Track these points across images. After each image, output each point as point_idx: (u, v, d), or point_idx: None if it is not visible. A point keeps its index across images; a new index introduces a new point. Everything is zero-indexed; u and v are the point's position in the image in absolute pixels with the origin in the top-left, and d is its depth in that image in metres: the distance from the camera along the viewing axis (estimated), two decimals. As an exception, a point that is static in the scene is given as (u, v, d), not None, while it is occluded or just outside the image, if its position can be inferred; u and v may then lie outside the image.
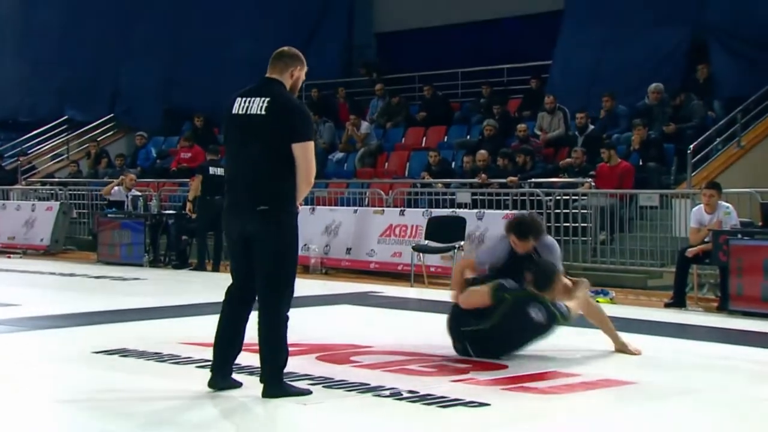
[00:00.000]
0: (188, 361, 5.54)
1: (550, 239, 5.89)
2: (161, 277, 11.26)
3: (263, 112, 4.49)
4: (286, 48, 4.72)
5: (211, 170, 11.75)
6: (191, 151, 15.38)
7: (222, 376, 4.70)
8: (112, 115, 18.35)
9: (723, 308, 8.04)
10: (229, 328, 4.70)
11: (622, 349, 5.82)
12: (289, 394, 4.56)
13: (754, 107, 11.57)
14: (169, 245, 12.58)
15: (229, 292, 4.74)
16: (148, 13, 17.95)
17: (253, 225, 4.52)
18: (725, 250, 7.91)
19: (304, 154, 4.45)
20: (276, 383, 4.55)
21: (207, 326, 6.99)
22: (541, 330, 5.50)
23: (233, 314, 4.71)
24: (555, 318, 5.50)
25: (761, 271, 7.66)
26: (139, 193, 13.27)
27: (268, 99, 4.51)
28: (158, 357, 5.67)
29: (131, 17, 18.23)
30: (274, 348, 4.54)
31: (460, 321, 5.61)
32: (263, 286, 4.55)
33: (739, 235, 8.02)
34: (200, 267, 11.74)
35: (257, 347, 4.59)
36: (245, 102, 4.57)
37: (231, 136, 4.68)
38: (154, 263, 12.37)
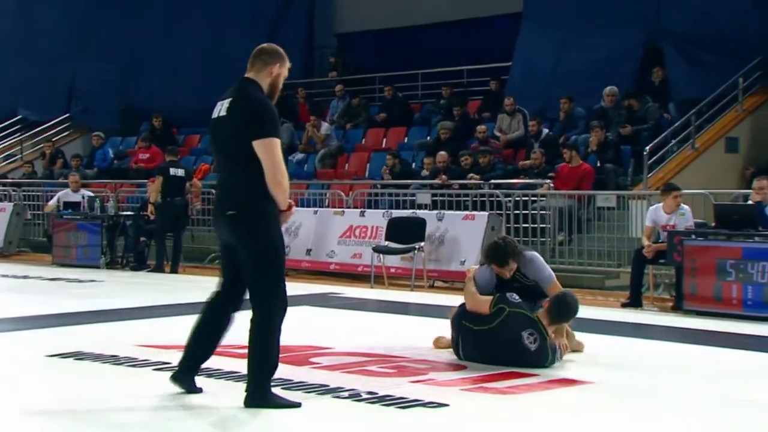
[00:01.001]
0: (145, 363, 5.47)
1: (529, 254, 5.77)
2: (118, 279, 11.11)
3: (225, 113, 4.41)
4: (266, 45, 4.55)
5: (171, 171, 11.65)
6: (149, 151, 15.23)
7: (184, 375, 4.61)
8: (68, 114, 18.07)
9: (678, 308, 8.16)
10: (202, 329, 4.61)
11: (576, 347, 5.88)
12: (274, 405, 4.38)
13: (707, 110, 11.78)
14: (127, 247, 12.44)
15: (214, 293, 4.62)
16: (105, 12, 17.72)
17: (226, 231, 4.44)
18: (680, 251, 8.03)
19: (265, 151, 4.27)
20: (258, 393, 4.37)
21: (164, 328, 6.96)
22: (527, 356, 5.31)
23: (210, 316, 4.60)
24: (545, 353, 5.31)
25: (714, 271, 7.79)
26: (92, 194, 13.09)
27: (230, 99, 4.44)
28: (114, 360, 5.59)
29: (88, 15, 17.98)
30: (258, 356, 4.39)
31: (463, 315, 5.61)
32: (250, 293, 4.42)
33: (693, 236, 8.15)
34: (158, 269, 11.61)
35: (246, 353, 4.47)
36: (219, 105, 4.49)
37: (211, 142, 4.68)
38: (112, 265, 12.21)
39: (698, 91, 11.86)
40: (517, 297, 5.50)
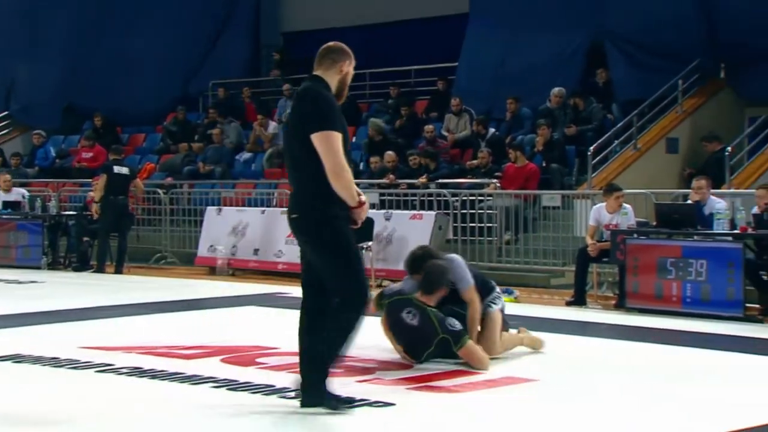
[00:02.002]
0: (87, 366, 5.38)
1: (451, 258, 5.68)
2: (60, 279, 10.91)
3: (290, 110, 4.38)
4: (332, 43, 4.48)
5: (116, 169, 11.49)
6: (92, 150, 14.99)
7: (305, 392, 4.34)
8: (6, 112, 17.66)
9: (620, 306, 8.30)
10: (302, 340, 4.40)
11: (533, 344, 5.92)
12: (330, 404, 4.26)
13: (648, 111, 12.01)
14: (70, 247, 12.22)
15: (303, 305, 4.44)
16: (47, 8, 17.34)
17: (296, 234, 4.36)
18: (622, 250, 8.17)
19: (323, 144, 4.11)
20: (314, 392, 4.25)
21: (107, 330, 6.86)
22: (417, 333, 5.34)
23: (304, 325, 4.40)
24: (430, 322, 5.29)
25: (655, 269, 7.94)
26: (27, 192, 12.82)
27: (297, 96, 4.43)
28: (55, 362, 5.48)
29: (29, 12, 17.58)
30: (319, 356, 4.25)
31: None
32: (329, 293, 4.27)
33: (635, 235, 8.30)
34: (100, 269, 11.43)
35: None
36: (291, 107, 4.49)
37: (283, 146, 4.64)
38: (53, 266, 11.99)
39: (640, 92, 12.08)
40: (395, 288, 5.55)
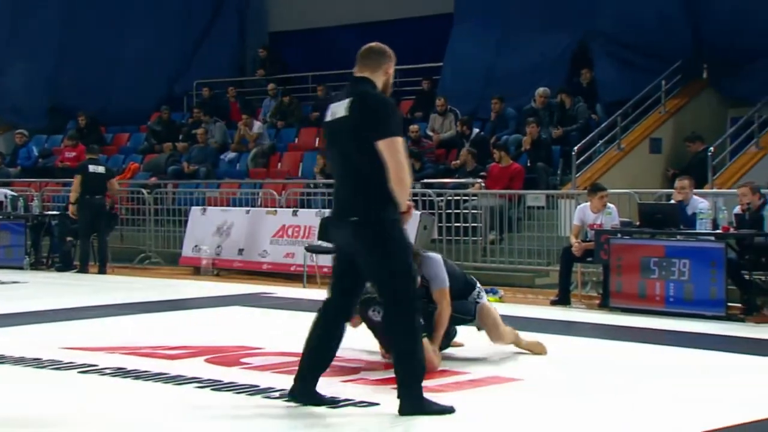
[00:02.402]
0: (70, 366, 5.35)
1: (429, 255, 5.60)
2: (43, 280, 10.84)
3: (346, 113, 4.23)
4: (374, 44, 4.41)
5: (91, 168, 11.43)
6: (75, 150, 14.92)
7: (305, 389, 4.38)
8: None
9: (604, 305, 8.33)
10: (316, 341, 4.41)
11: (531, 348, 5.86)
12: (428, 411, 4.21)
13: (632, 111, 12.08)
14: (53, 247, 12.16)
15: (325, 304, 4.44)
16: (34, 9, 17.24)
17: (347, 237, 4.26)
18: (606, 249, 8.21)
19: (389, 150, 4.11)
20: (410, 399, 4.20)
21: (90, 330, 6.82)
22: (382, 329, 5.29)
23: (324, 329, 4.40)
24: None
25: (638, 269, 7.98)
26: (10, 192, 12.75)
27: (350, 99, 4.27)
28: (37, 363, 5.45)
29: (14, 12, 17.47)
30: (404, 361, 4.22)
31: None
32: (384, 299, 4.28)
33: (619, 235, 8.34)
34: (83, 269, 11.37)
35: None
36: (334, 108, 4.33)
37: (326, 147, 4.50)
38: (36, 266, 11.92)
39: (624, 93, 12.15)
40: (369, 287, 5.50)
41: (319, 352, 4.42)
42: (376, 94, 4.30)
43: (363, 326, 5.59)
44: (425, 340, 5.17)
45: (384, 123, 4.18)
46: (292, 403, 4.41)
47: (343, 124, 4.27)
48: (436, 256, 5.57)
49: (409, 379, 4.23)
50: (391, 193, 4.16)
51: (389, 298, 4.26)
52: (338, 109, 4.31)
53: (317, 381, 4.44)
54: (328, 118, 4.36)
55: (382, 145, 4.14)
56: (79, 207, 11.33)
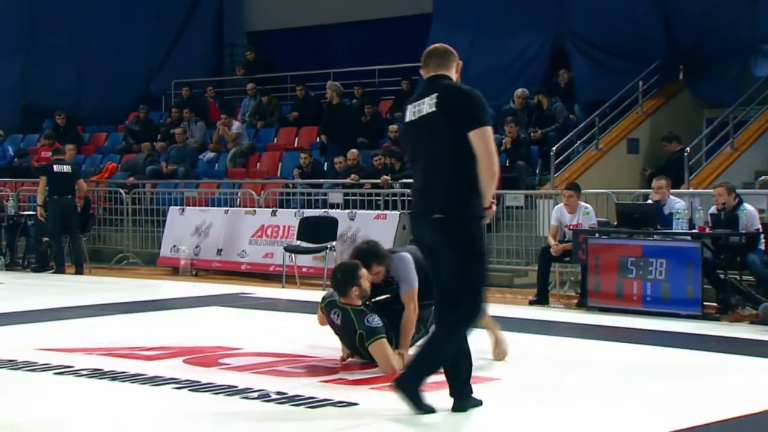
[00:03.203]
0: (45, 368, 5.31)
1: (398, 255, 5.49)
2: (19, 281, 10.75)
3: (434, 109, 4.20)
4: (440, 45, 4.47)
5: (56, 168, 11.33)
6: (52, 149, 14.75)
7: (459, 398, 4.34)
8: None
9: (582, 305, 8.38)
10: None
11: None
12: (413, 401, 4.25)
13: (610, 112, 12.16)
14: (29, 247, 12.05)
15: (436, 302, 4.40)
16: (5, 6, 17.07)
17: (430, 233, 4.21)
18: (584, 249, 8.26)
19: (481, 140, 4.11)
20: (409, 382, 4.21)
21: (66, 331, 6.77)
22: (340, 331, 5.40)
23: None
24: (349, 319, 5.27)
25: (616, 268, 8.04)
26: None
27: (436, 94, 4.25)
28: (12, 365, 5.40)
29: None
30: (427, 355, 4.24)
31: None
32: (449, 295, 4.22)
33: (597, 234, 8.39)
34: (59, 270, 11.28)
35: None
36: (416, 107, 4.30)
37: (408, 146, 4.48)
38: (11, 267, 11.83)
39: (602, 94, 12.22)
40: (332, 293, 5.47)
41: (460, 357, 4.34)
42: (462, 86, 4.33)
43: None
44: (382, 342, 5.19)
45: (475, 113, 4.18)
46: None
47: (430, 120, 4.22)
48: (407, 256, 5.46)
49: (422, 367, 4.22)
50: (477, 189, 4.15)
51: (459, 295, 4.22)
52: (420, 108, 4.27)
53: (468, 385, 4.39)
54: (409, 118, 4.30)
55: (474, 135, 4.13)
56: (47, 208, 11.22)
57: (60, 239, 11.40)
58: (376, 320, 5.23)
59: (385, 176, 11.66)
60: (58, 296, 9.00)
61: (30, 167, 15.03)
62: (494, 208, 4.36)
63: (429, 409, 4.30)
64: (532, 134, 12.12)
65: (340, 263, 5.61)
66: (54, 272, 11.39)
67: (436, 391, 4.77)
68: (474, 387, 4.99)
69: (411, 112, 4.34)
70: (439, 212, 4.17)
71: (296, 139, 14.56)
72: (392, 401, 4.65)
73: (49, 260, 11.72)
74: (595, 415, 4.50)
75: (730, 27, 11.69)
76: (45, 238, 11.76)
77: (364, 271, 5.33)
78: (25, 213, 12.38)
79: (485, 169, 4.14)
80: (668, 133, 11.65)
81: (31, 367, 5.35)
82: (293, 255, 10.43)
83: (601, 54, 12.56)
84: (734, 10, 11.73)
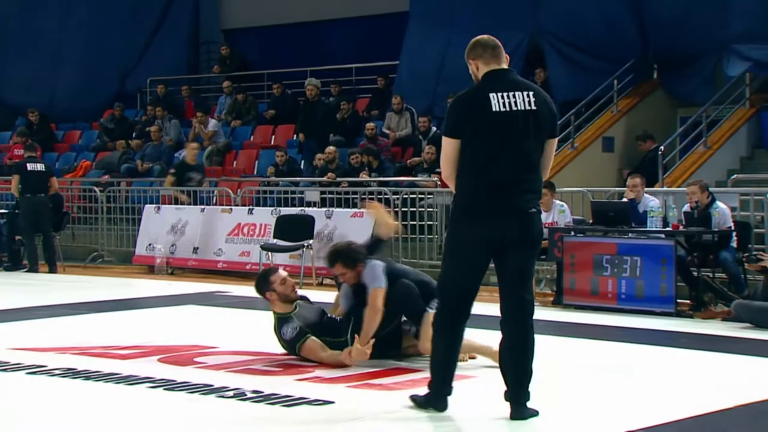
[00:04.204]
0: (17, 367, 5.26)
1: (371, 262, 5.50)
2: (-9, 279, 10.64)
3: (534, 107, 4.14)
4: (488, 36, 4.38)
5: (29, 166, 11.22)
6: (24, 146, 14.62)
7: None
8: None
9: (558, 302, 8.43)
10: (455, 352, 4.44)
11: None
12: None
13: (585, 110, 12.24)
14: (1, 246, 11.92)
15: (458, 314, 4.44)
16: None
17: (516, 229, 4.17)
18: (560, 247, 8.30)
19: (553, 150, 4.33)
20: (522, 401, 4.30)
21: (39, 330, 6.70)
22: (286, 346, 5.51)
23: (459, 338, 4.46)
24: (277, 333, 5.48)
25: (591, 266, 8.09)
26: None
27: (532, 92, 4.17)
28: (-16, 365, 5.35)
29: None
30: (530, 358, 4.40)
31: None
32: (523, 292, 4.32)
33: (572, 232, 8.44)
34: (32, 269, 11.17)
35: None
36: (505, 97, 4.12)
37: (490, 136, 4.14)
38: (-16, 265, 11.70)
39: (577, 92, 12.30)
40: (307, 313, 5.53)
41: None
42: (543, 91, 4.35)
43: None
44: (308, 342, 5.30)
45: (556, 122, 4.36)
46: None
47: (528, 117, 4.15)
48: (374, 264, 5.52)
49: (528, 375, 4.34)
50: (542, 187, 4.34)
51: (530, 289, 4.38)
52: (514, 100, 4.14)
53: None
54: (499, 108, 4.11)
55: (552, 143, 4.30)
56: (20, 206, 11.11)
57: (33, 238, 11.29)
58: (289, 332, 5.39)
59: (363, 173, 11.67)
60: (30, 295, 8.93)
61: (2, 165, 14.89)
62: None
63: (533, 413, 4.32)
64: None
65: (346, 242, 5.79)
66: (27, 271, 11.28)
67: (410, 390, 4.78)
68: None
69: (500, 102, 4.13)
70: (535, 207, 4.24)
71: (273, 137, 14.53)
72: (368, 400, 4.67)
73: (22, 259, 11.61)
74: (567, 411, 4.53)
75: (703, 27, 11.81)
76: (17, 237, 11.66)
77: (280, 274, 5.53)
78: (-1, 211, 12.28)
79: (545, 176, 4.38)
80: (642, 132, 11.74)
81: (3, 366, 5.29)
82: (270, 253, 10.41)
83: (577, 53, 12.64)
84: (707, 10, 11.85)
